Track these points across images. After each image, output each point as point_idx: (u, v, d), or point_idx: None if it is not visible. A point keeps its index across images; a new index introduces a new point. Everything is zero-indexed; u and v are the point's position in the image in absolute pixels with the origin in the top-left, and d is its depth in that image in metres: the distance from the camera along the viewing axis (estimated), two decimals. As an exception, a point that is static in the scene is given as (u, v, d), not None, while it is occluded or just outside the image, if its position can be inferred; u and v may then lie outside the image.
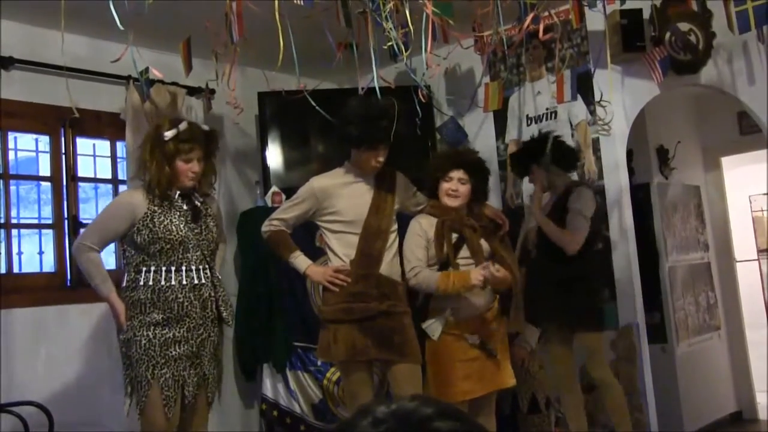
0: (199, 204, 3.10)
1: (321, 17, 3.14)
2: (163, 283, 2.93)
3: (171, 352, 2.89)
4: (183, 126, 3.00)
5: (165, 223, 2.95)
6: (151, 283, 2.92)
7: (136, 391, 2.91)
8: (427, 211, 3.35)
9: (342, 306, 3.13)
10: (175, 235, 2.95)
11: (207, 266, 3.05)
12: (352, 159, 3.26)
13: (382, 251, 3.19)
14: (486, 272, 3.06)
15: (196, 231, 3.03)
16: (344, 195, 3.21)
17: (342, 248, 3.20)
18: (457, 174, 3.27)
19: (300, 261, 3.23)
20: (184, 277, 2.96)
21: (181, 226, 2.98)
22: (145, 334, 2.89)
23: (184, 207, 3.04)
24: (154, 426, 2.88)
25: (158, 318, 2.90)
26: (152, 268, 2.94)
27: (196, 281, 2.98)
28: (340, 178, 3.26)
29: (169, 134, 2.96)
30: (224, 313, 3.08)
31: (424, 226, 3.27)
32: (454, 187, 3.27)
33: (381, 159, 3.20)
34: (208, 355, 3.02)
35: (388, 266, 3.20)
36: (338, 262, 3.20)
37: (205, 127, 3.11)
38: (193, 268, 2.99)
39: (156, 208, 2.96)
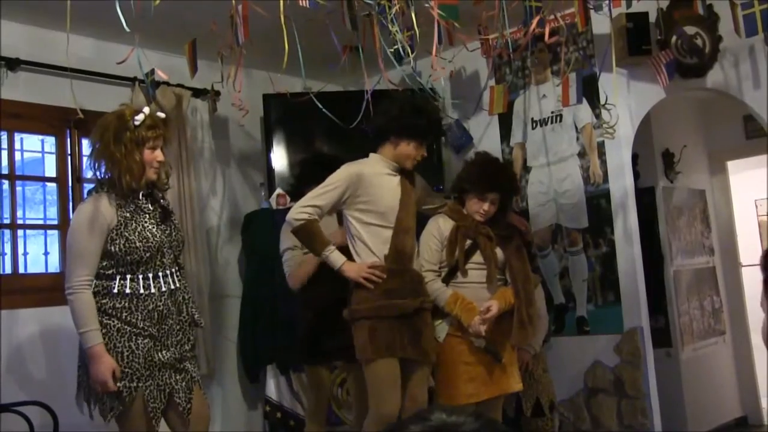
0: (164, 202, 2.92)
1: (326, 20, 3.15)
2: (142, 291, 2.75)
3: (155, 362, 2.73)
4: (148, 110, 2.78)
5: (139, 230, 2.75)
6: (128, 291, 2.73)
7: (117, 401, 2.70)
8: (446, 212, 3.34)
9: (378, 303, 3.04)
10: (152, 243, 2.76)
11: (178, 268, 2.92)
12: (387, 151, 3.16)
13: (414, 247, 3.15)
14: (485, 326, 3.11)
15: (167, 232, 2.85)
16: (377, 185, 3.11)
17: (374, 242, 3.09)
18: (491, 196, 3.25)
19: (335, 256, 3.07)
20: (162, 283, 2.80)
21: (155, 230, 2.79)
22: (127, 345, 2.71)
23: (150, 207, 2.83)
24: None
25: (140, 327, 2.72)
26: (128, 276, 2.74)
27: (172, 286, 2.84)
28: (372, 167, 3.15)
29: (139, 118, 2.73)
30: (196, 315, 2.94)
31: (441, 227, 3.27)
32: (486, 208, 3.24)
33: (424, 154, 3.19)
34: (190, 358, 2.89)
35: (416, 262, 3.18)
36: (370, 256, 3.09)
37: (162, 114, 2.91)
38: (168, 272, 2.83)
39: (127, 214, 2.75)
